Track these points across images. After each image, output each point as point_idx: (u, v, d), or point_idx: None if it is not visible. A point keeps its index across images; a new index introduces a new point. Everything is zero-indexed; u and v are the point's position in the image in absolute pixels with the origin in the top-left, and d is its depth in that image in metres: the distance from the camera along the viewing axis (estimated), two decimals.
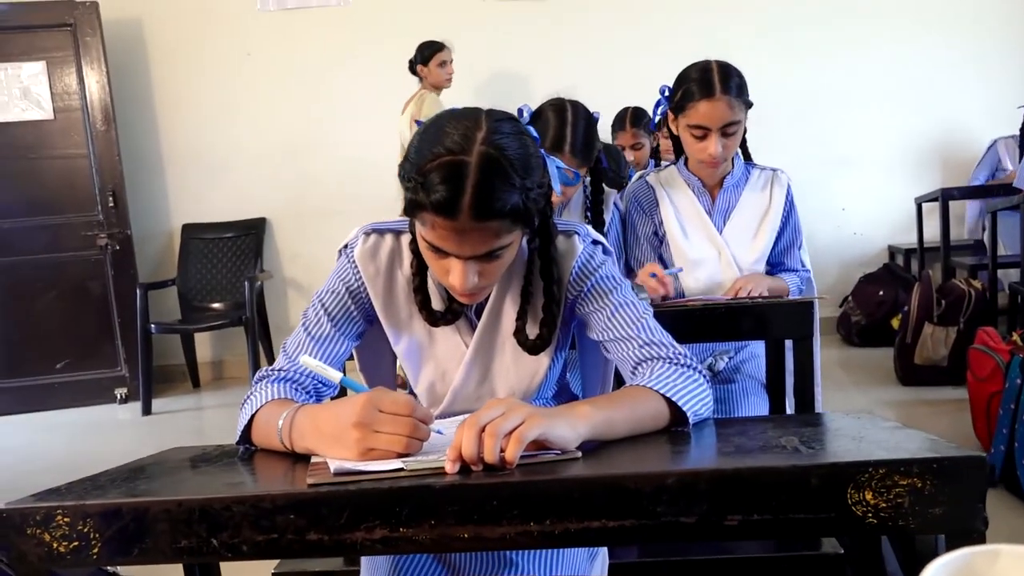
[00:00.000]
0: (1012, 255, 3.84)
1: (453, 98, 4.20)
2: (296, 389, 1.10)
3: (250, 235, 4.65)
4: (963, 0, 4.54)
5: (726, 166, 1.95)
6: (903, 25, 4.57)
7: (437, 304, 1.16)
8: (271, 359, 4.56)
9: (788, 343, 1.65)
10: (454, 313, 1.16)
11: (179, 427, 3.82)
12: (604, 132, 3.39)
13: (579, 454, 0.85)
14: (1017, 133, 4.26)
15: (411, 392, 1.24)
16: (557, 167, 1.15)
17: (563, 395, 1.32)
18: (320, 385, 1.13)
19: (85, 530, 0.78)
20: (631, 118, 3.45)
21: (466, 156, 0.96)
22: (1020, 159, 4.21)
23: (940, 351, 3.39)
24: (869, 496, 0.73)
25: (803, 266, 2.01)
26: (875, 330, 4.20)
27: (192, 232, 4.65)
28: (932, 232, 4.28)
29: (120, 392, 4.34)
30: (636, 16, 4.57)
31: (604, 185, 2.03)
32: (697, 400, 1.00)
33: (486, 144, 0.96)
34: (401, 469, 0.82)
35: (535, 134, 1.07)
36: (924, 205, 4.42)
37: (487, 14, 4.57)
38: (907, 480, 0.73)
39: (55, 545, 0.79)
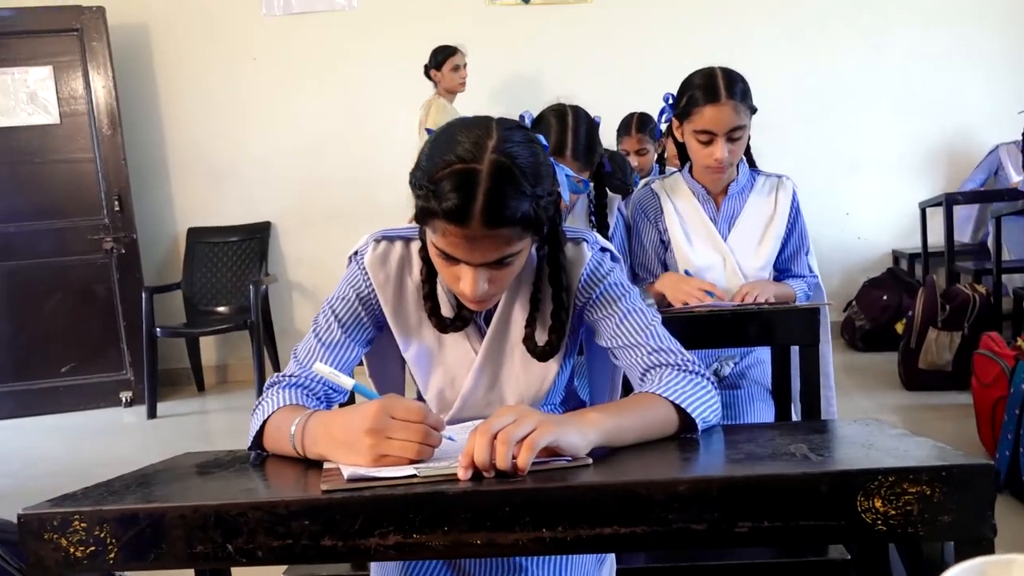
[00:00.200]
0: (1016, 260, 3.85)
1: (468, 103, 4.23)
2: (307, 395, 1.10)
3: (255, 239, 4.66)
4: (967, 6, 4.54)
5: (731, 173, 1.96)
6: (908, 30, 4.58)
7: (446, 311, 1.17)
8: (276, 363, 4.58)
9: (794, 349, 1.65)
10: (463, 320, 1.16)
11: (184, 431, 3.83)
12: (610, 137, 3.40)
13: (590, 461, 0.86)
14: (1019, 139, 4.27)
15: (419, 398, 1.25)
16: (566, 175, 1.16)
17: (571, 401, 1.32)
18: (331, 391, 1.14)
19: (102, 535, 0.79)
20: (637, 124, 3.46)
21: (477, 164, 0.96)
22: (1023, 163, 4.22)
23: (944, 356, 3.39)
24: (879, 503, 0.74)
25: (810, 271, 2.02)
26: (879, 335, 4.21)
27: (197, 236, 4.67)
28: (936, 237, 4.28)
29: (125, 396, 4.36)
30: (647, 23, 4.58)
31: (607, 190, 2.04)
32: (706, 407, 1.00)
33: (497, 152, 0.97)
34: (414, 475, 0.82)
35: (545, 142, 1.08)
36: (928, 210, 4.43)
37: (494, 19, 4.59)
38: (916, 488, 0.73)
39: (72, 550, 0.80)
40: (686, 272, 1.92)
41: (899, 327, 3.73)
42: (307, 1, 4.59)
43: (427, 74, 4.12)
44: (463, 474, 0.81)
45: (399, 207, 4.36)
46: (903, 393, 3.45)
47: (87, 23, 4.27)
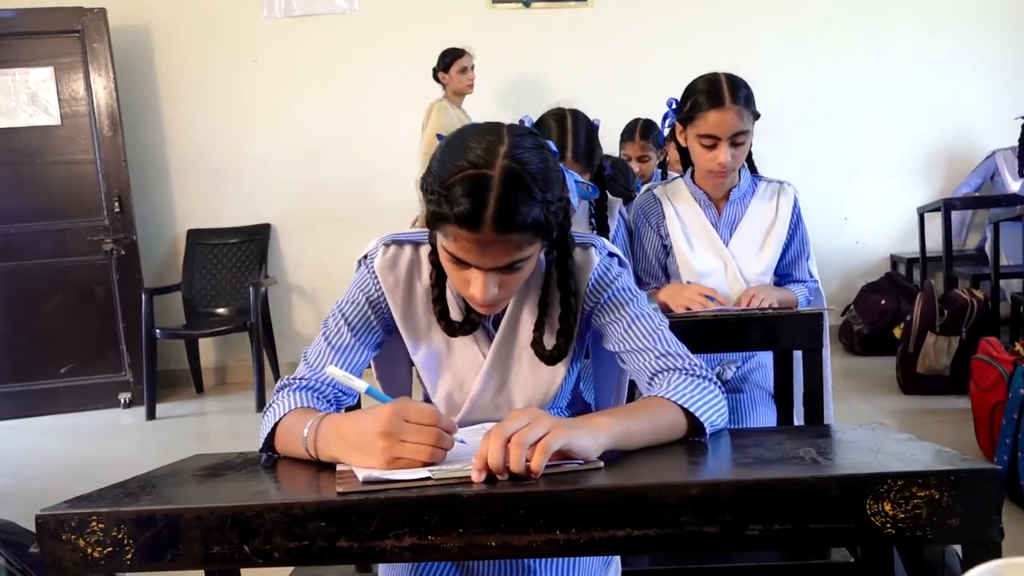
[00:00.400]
0: (1014, 265, 3.87)
1: (474, 105, 4.24)
2: (318, 398, 1.11)
3: (255, 241, 4.67)
4: (968, 11, 4.57)
5: (732, 178, 1.97)
6: (907, 35, 4.60)
7: (455, 314, 1.18)
8: (275, 365, 4.58)
9: (796, 353, 1.66)
10: (472, 323, 1.17)
11: (183, 432, 3.83)
12: (610, 141, 3.41)
13: (601, 464, 0.87)
14: (1016, 144, 4.30)
15: (426, 400, 1.26)
16: (575, 180, 1.17)
17: (576, 404, 1.33)
18: (341, 394, 1.15)
19: (119, 536, 0.80)
20: (641, 130, 3.47)
21: (489, 170, 0.98)
22: (1020, 169, 4.24)
23: (942, 360, 3.41)
24: (888, 507, 0.75)
25: (811, 276, 2.03)
26: (877, 339, 4.22)
27: (197, 238, 4.67)
28: (934, 242, 4.30)
29: (124, 397, 4.35)
30: (648, 27, 4.60)
31: (608, 193, 2.07)
32: (713, 411, 1.02)
33: (509, 158, 0.99)
34: (429, 478, 0.83)
35: (555, 149, 1.09)
36: (926, 215, 4.45)
37: (495, 22, 4.60)
38: (925, 492, 0.75)
39: (89, 551, 0.81)
40: (688, 283, 1.94)
41: (897, 331, 3.75)
42: (308, 3, 4.60)
43: (435, 77, 4.14)
44: (477, 476, 0.82)
45: (399, 210, 4.39)
46: (901, 397, 3.46)
47: (88, 24, 4.27)
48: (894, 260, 4.71)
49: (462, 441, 0.95)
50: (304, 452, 0.99)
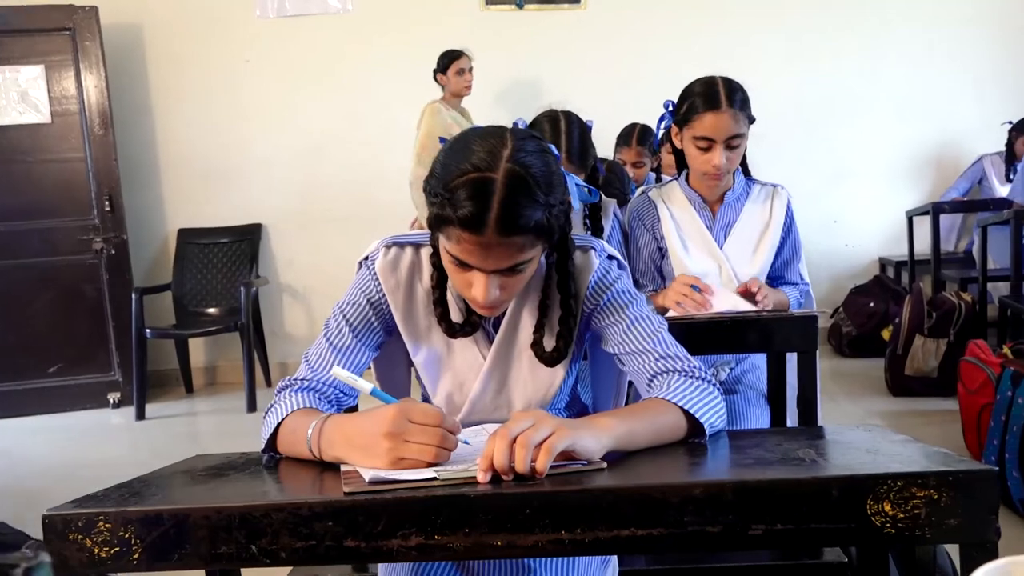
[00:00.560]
0: (1001, 268, 3.91)
1: (472, 107, 4.25)
2: (319, 398, 1.12)
3: (246, 241, 4.65)
4: (957, 18, 4.61)
5: (727, 181, 1.99)
6: (896, 41, 4.64)
7: (456, 316, 1.18)
8: (265, 366, 4.57)
9: (789, 355, 1.68)
10: (472, 325, 1.18)
11: (172, 432, 3.82)
12: (605, 143, 3.42)
13: (604, 465, 0.88)
14: (1003, 150, 4.35)
15: (426, 401, 1.27)
16: (576, 183, 1.18)
17: (575, 406, 1.34)
18: (342, 395, 1.16)
19: (126, 536, 0.80)
20: (638, 136, 3.48)
21: (493, 173, 0.98)
22: (1006, 174, 4.29)
23: (930, 363, 3.44)
24: (887, 507, 0.76)
25: (802, 279, 2.05)
26: (866, 341, 4.26)
27: (188, 237, 4.65)
28: (922, 245, 4.34)
29: (113, 397, 4.33)
30: (641, 29, 4.62)
31: (602, 193, 2.08)
32: (713, 412, 1.03)
33: (512, 162, 1.00)
34: (435, 478, 0.84)
35: (557, 152, 1.10)
36: (915, 218, 4.49)
37: (489, 24, 4.61)
38: (924, 492, 0.76)
39: (96, 550, 0.81)
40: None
41: (885, 334, 3.78)
42: (301, 3, 4.59)
43: (435, 78, 4.16)
44: (482, 477, 0.83)
45: (394, 210, 4.39)
46: (889, 399, 3.50)
47: (80, 22, 4.25)
48: (883, 263, 4.75)
49: (466, 442, 0.96)
50: (307, 452, 1.00)
